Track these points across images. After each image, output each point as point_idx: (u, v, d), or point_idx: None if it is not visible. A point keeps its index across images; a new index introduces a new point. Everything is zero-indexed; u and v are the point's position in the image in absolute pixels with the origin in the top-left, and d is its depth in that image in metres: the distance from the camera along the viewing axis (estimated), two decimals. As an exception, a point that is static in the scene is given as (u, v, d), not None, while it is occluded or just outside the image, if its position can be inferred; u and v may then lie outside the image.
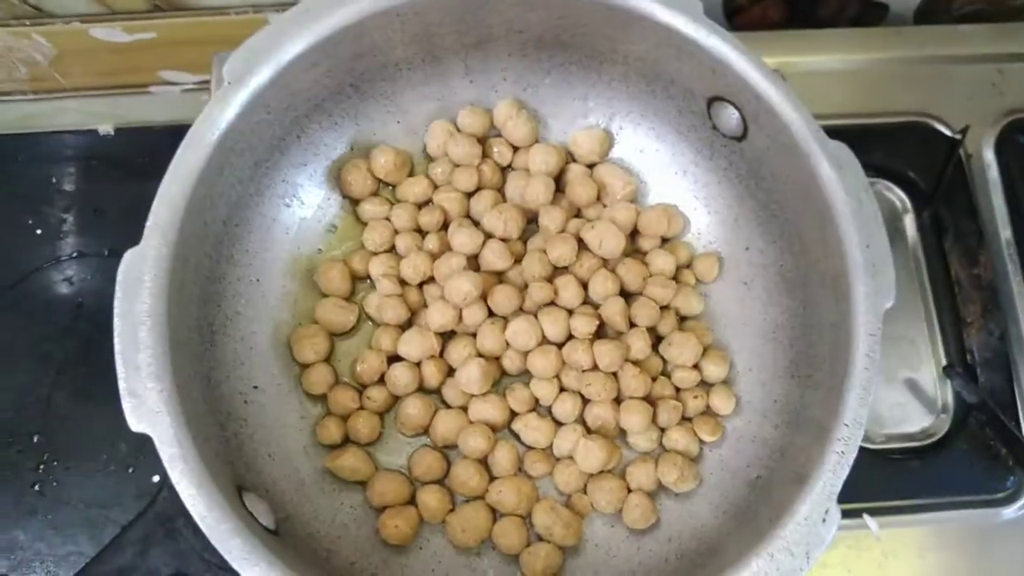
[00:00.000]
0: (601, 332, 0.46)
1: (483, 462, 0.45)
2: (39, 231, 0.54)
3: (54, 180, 0.55)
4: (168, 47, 0.56)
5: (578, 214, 0.49)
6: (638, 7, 0.41)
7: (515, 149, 0.50)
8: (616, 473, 0.45)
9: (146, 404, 0.34)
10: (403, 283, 0.47)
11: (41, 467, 0.49)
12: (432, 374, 0.45)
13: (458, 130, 0.49)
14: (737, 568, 0.35)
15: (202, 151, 0.38)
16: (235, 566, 0.33)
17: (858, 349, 0.37)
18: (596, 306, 0.46)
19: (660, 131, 0.49)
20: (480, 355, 0.45)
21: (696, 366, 0.46)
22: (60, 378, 0.51)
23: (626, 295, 0.47)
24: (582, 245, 0.47)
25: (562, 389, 0.46)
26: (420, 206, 0.49)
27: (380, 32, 0.42)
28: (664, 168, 0.50)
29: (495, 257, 0.46)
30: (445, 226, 0.48)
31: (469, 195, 0.49)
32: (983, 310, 0.53)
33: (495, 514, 0.44)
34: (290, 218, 0.46)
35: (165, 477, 0.45)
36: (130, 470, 0.49)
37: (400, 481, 0.44)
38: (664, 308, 0.47)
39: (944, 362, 0.53)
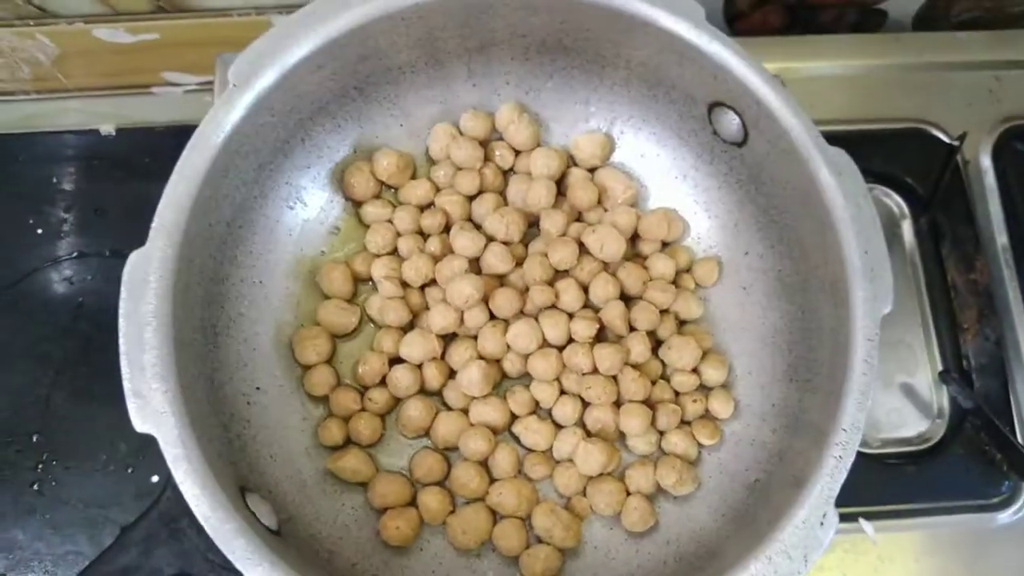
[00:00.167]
0: (601, 336, 0.46)
1: (484, 464, 0.45)
2: (40, 231, 0.54)
3: (55, 180, 0.55)
4: (171, 48, 0.56)
5: (579, 218, 0.49)
6: (640, 13, 0.41)
7: (517, 153, 0.50)
8: (615, 476, 0.45)
9: (151, 405, 0.34)
10: (405, 285, 0.47)
11: (40, 467, 0.49)
12: (433, 376, 0.45)
13: (460, 133, 0.49)
14: (735, 571, 0.35)
15: (207, 153, 0.38)
16: (238, 566, 0.33)
17: (856, 354, 0.37)
18: (596, 310, 0.46)
19: (661, 136, 0.49)
20: (481, 357, 0.45)
21: (695, 370, 0.46)
22: (60, 378, 0.51)
23: (626, 299, 0.47)
24: (583, 249, 0.47)
25: (562, 392, 0.46)
26: (422, 209, 0.49)
27: (384, 36, 0.42)
28: (665, 173, 0.50)
29: (496, 260, 0.46)
30: (447, 229, 0.48)
31: (471, 198, 0.49)
32: (979, 316, 0.53)
33: (495, 516, 0.44)
34: (293, 220, 0.47)
35: (165, 477, 0.46)
36: (129, 470, 0.49)
37: (401, 483, 0.44)
38: (664, 312, 0.47)
39: (940, 367, 0.53)
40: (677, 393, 0.46)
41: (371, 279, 0.48)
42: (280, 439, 0.43)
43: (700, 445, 0.46)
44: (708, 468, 0.45)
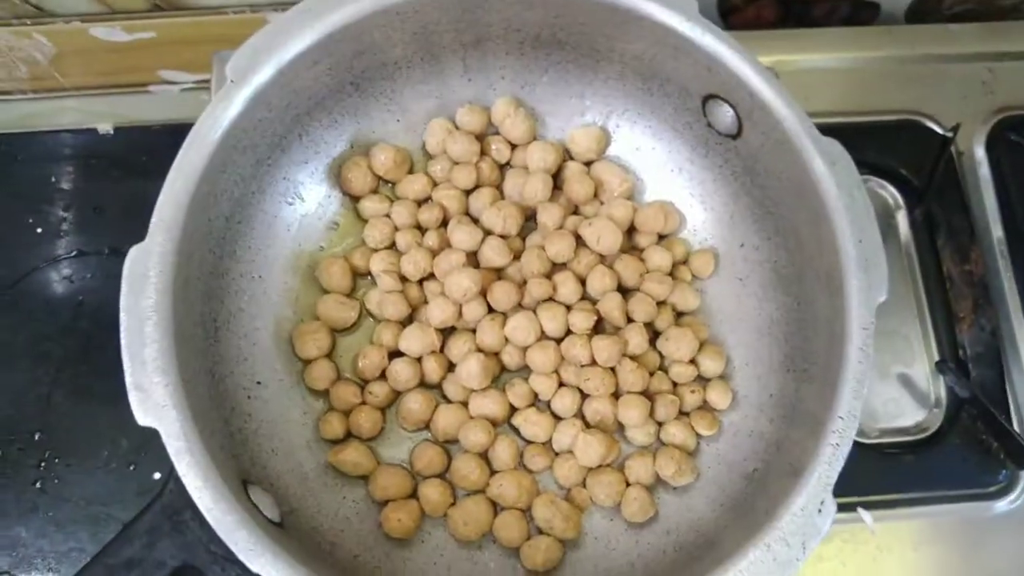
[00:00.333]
0: (599, 327, 0.47)
1: (484, 456, 0.45)
2: (39, 230, 0.54)
3: (54, 179, 0.55)
4: (167, 46, 0.56)
5: (576, 211, 0.50)
6: (635, 6, 0.41)
7: (513, 147, 0.50)
8: (615, 467, 0.45)
9: (152, 398, 0.34)
10: (403, 279, 0.47)
11: (42, 464, 0.49)
12: (433, 369, 0.46)
13: (457, 128, 0.49)
14: (734, 559, 0.35)
15: (205, 149, 0.38)
16: (241, 557, 0.33)
17: (852, 343, 0.38)
18: (594, 302, 0.47)
19: (656, 129, 0.49)
20: (480, 350, 0.45)
21: (693, 361, 0.46)
22: (60, 376, 0.51)
23: (623, 291, 0.47)
24: (580, 241, 0.47)
25: (561, 384, 0.46)
26: (420, 203, 0.49)
27: (380, 31, 0.43)
28: (660, 165, 0.50)
29: (494, 253, 0.46)
30: (444, 223, 0.48)
31: (468, 192, 0.49)
32: (975, 306, 0.54)
33: (496, 508, 0.44)
34: (291, 215, 0.47)
35: (168, 473, 0.46)
36: (131, 467, 0.49)
37: (402, 475, 0.44)
38: (661, 304, 0.47)
39: (937, 357, 0.53)
40: (675, 384, 0.47)
41: (370, 273, 0.48)
42: (281, 433, 0.43)
43: (698, 436, 0.46)
44: (706, 458, 0.45)
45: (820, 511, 0.36)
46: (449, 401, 0.46)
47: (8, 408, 0.50)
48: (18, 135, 0.56)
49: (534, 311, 0.46)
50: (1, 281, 0.53)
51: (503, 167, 0.51)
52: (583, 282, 0.46)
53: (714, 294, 0.49)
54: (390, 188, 0.50)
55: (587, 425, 0.46)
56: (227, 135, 0.39)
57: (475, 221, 0.48)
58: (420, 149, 0.51)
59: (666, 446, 0.45)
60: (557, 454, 0.46)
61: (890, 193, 0.57)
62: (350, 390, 0.45)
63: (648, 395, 0.46)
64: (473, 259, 0.47)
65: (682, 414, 0.46)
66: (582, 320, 0.45)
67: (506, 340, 0.45)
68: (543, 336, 0.45)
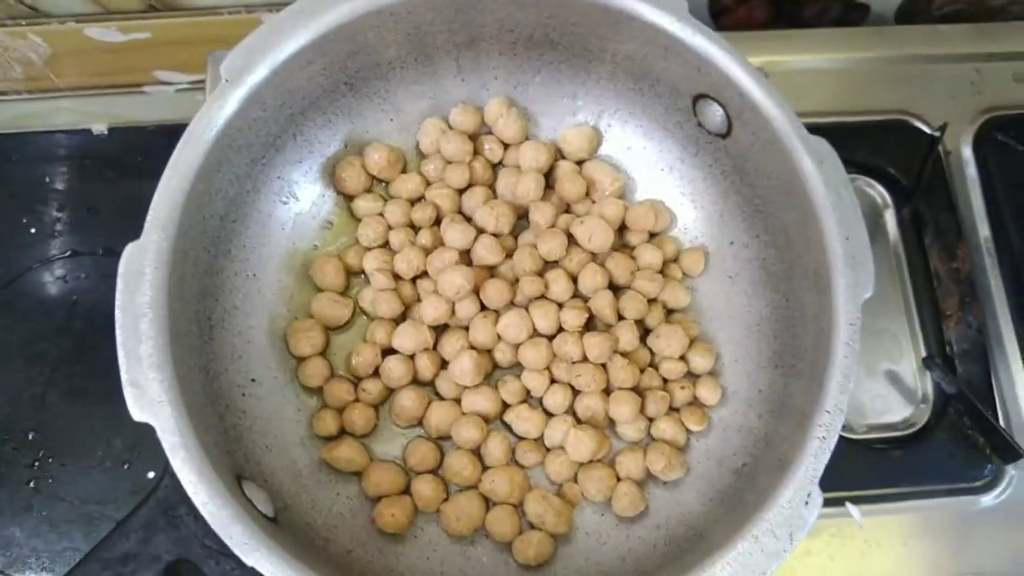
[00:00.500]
0: (590, 325, 0.47)
1: (476, 452, 0.45)
2: (33, 230, 0.54)
3: (48, 179, 0.55)
4: (162, 47, 0.56)
5: (567, 210, 0.50)
6: (626, 7, 0.42)
7: (506, 146, 0.50)
8: (606, 462, 0.46)
9: (148, 394, 0.35)
10: (397, 278, 0.47)
11: (36, 464, 0.49)
12: (426, 367, 0.46)
13: (450, 128, 0.50)
14: (723, 551, 0.36)
15: (200, 148, 0.39)
16: (236, 552, 0.33)
17: (838, 338, 0.38)
18: (586, 299, 0.47)
19: (647, 128, 0.50)
20: (472, 348, 0.46)
21: (683, 358, 0.47)
22: (55, 376, 0.51)
23: (614, 289, 0.47)
24: (572, 240, 0.47)
25: (553, 380, 0.46)
26: (413, 202, 0.49)
27: (374, 31, 0.43)
28: (651, 165, 0.51)
29: (487, 252, 0.46)
30: (438, 222, 0.49)
31: (461, 191, 0.49)
32: (961, 303, 0.54)
33: (488, 503, 0.44)
34: (286, 214, 0.47)
35: (163, 470, 0.46)
36: (125, 466, 0.49)
37: (395, 471, 0.44)
38: (652, 301, 0.48)
39: (924, 354, 0.54)
40: (665, 380, 0.47)
41: (363, 272, 0.48)
42: (275, 429, 0.43)
43: (688, 431, 0.46)
44: (696, 454, 0.46)
45: (807, 503, 0.36)
46: (442, 398, 0.47)
47: (2, 407, 0.50)
48: (12, 135, 0.56)
49: (526, 309, 0.46)
50: (-5, 280, 0.53)
51: (496, 166, 0.51)
52: (575, 280, 0.47)
53: (704, 292, 0.49)
54: (384, 187, 0.51)
55: (578, 421, 0.46)
56: (222, 134, 0.39)
57: (468, 220, 0.49)
58: (414, 149, 0.51)
59: (656, 442, 0.46)
60: (549, 450, 0.46)
61: (878, 192, 0.57)
62: (343, 387, 0.45)
63: (639, 391, 0.46)
64: (466, 257, 0.47)
65: (672, 410, 0.47)
66: (574, 317, 0.45)
67: (498, 337, 0.46)
68: (535, 333, 0.46)
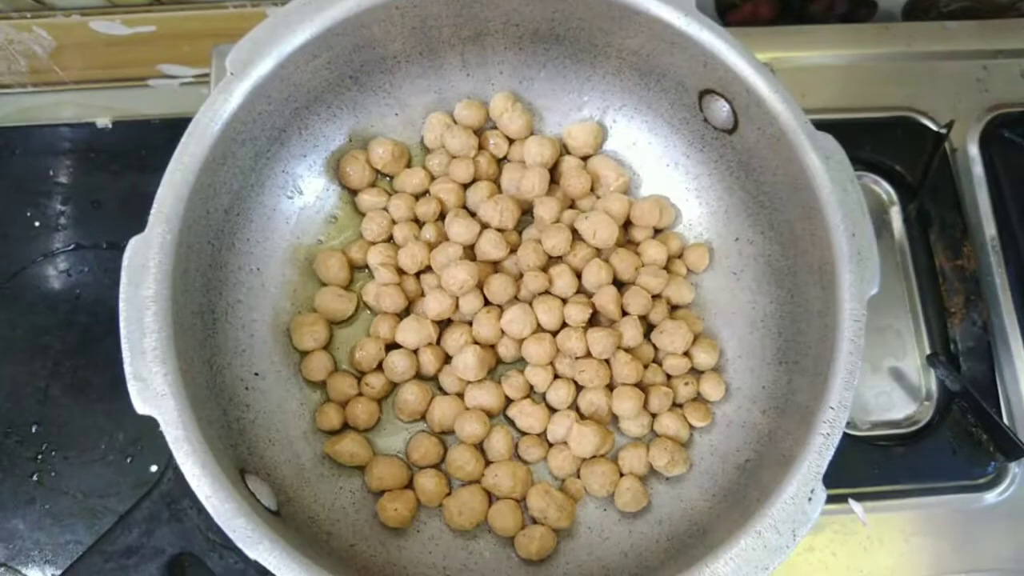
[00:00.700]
0: (594, 320, 0.47)
1: (479, 447, 0.45)
2: (37, 223, 0.54)
3: (52, 173, 0.55)
4: (167, 40, 0.57)
5: (572, 205, 0.50)
6: (632, 1, 0.42)
7: (511, 141, 0.50)
8: (608, 458, 0.46)
9: (151, 387, 0.35)
10: (401, 272, 0.47)
11: (40, 457, 0.49)
12: (429, 361, 0.46)
13: (455, 122, 0.50)
14: (726, 546, 0.36)
15: (205, 141, 0.39)
16: (239, 545, 0.33)
17: (843, 334, 0.38)
18: (589, 295, 0.47)
19: (653, 124, 0.50)
20: (476, 343, 0.46)
21: (687, 354, 0.47)
22: (58, 369, 0.51)
23: (619, 284, 0.47)
24: (576, 235, 0.47)
25: (556, 376, 0.46)
26: (417, 197, 0.49)
27: (379, 25, 0.43)
28: (656, 160, 0.50)
29: (491, 247, 0.46)
30: (442, 216, 0.49)
31: (465, 186, 0.49)
32: (966, 301, 0.54)
33: (491, 498, 0.45)
34: (290, 208, 0.47)
35: (166, 463, 0.46)
36: (128, 460, 0.49)
37: (398, 466, 0.44)
38: (656, 297, 0.48)
39: (928, 351, 0.54)
40: (669, 376, 0.47)
41: (367, 266, 0.48)
42: (278, 423, 0.43)
43: (692, 427, 0.46)
44: (699, 449, 0.46)
45: (810, 499, 0.36)
46: (445, 393, 0.47)
47: (6, 401, 0.50)
48: (17, 128, 0.56)
49: (530, 304, 0.46)
50: (-1, 274, 0.53)
51: (500, 161, 0.51)
52: (579, 275, 0.47)
53: (708, 288, 0.49)
54: (388, 182, 0.51)
55: (581, 417, 0.46)
56: (227, 127, 0.39)
57: (472, 215, 0.49)
58: (418, 143, 0.51)
59: (659, 437, 0.46)
60: (551, 445, 0.46)
61: (884, 189, 0.57)
62: (347, 381, 0.45)
63: (642, 387, 0.46)
64: (470, 252, 0.47)
65: (676, 406, 0.47)
66: (577, 313, 0.45)
67: (502, 332, 0.46)
68: (539, 329, 0.46)
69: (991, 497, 0.51)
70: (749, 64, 0.41)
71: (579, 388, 0.46)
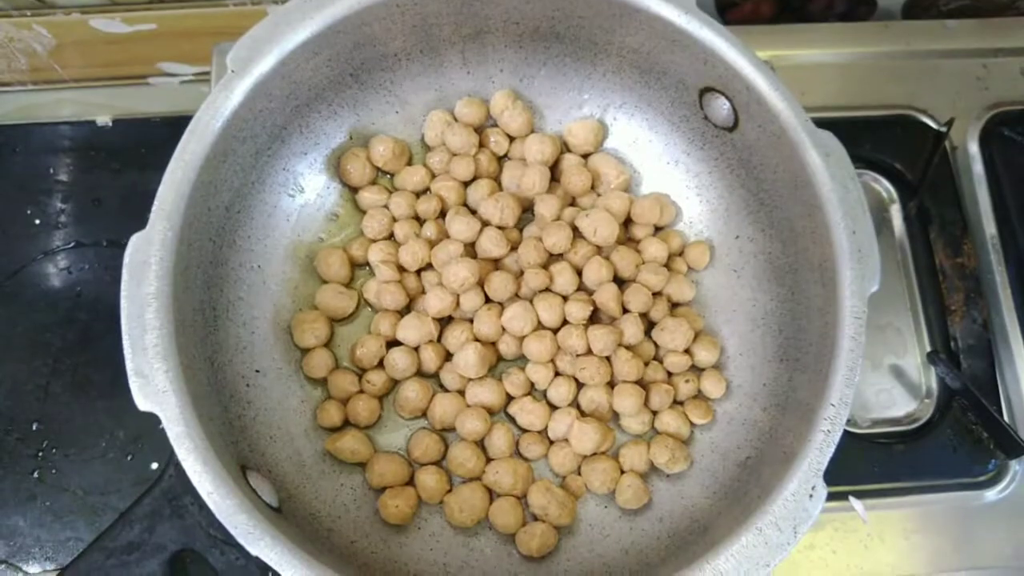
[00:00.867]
0: (595, 318, 0.47)
1: (480, 444, 0.45)
2: (37, 221, 0.54)
3: (52, 171, 0.55)
4: (167, 38, 0.57)
5: (573, 203, 0.50)
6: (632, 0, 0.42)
7: (511, 139, 0.51)
8: (609, 455, 0.46)
9: (153, 383, 0.35)
10: (401, 270, 0.47)
11: (40, 454, 0.50)
12: (430, 358, 0.46)
13: (455, 120, 0.50)
14: (727, 543, 0.36)
15: (206, 138, 0.39)
16: (240, 541, 0.34)
17: (844, 332, 0.38)
18: (590, 292, 0.47)
19: (653, 122, 0.50)
20: (477, 340, 0.46)
21: (687, 351, 0.47)
22: (58, 366, 0.51)
23: (619, 282, 0.47)
24: (577, 233, 0.47)
25: (557, 373, 0.46)
26: (418, 194, 0.49)
27: (380, 23, 0.43)
28: (657, 158, 0.51)
29: (491, 244, 0.46)
30: (443, 214, 0.49)
31: (466, 184, 0.49)
32: (966, 298, 0.54)
33: (492, 494, 0.45)
34: (291, 206, 0.47)
35: (167, 460, 0.46)
36: (128, 457, 0.50)
37: (399, 462, 0.44)
38: (656, 294, 0.48)
39: (928, 349, 0.54)
40: (670, 374, 0.47)
41: (368, 264, 0.48)
42: (279, 420, 0.43)
43: (692, 424, 0.46)
44: (700, 447, 0.46)
45: (811, 496, 0.36)
46: (446, 390, 0.47)
47: (6, 398, 0.50)
48: (17, 126, 0.56)
49: (531, 301, 0.46)
50: None
51: (501, 159, 0.51)
52: (580, 273, 0.47)
53: (709, 285, 0.49)
54: (389, 179, 0.51)
55: (582, 414, 0.46)
56: (228, 125, 0.39)
57: (473, 212, 0.49)
58: (419, 141, 0.51)
59: (660, 434, 0.46)
60: (552, 442, 0.46)
61: (884, 187, 0.57)
62: (348, 379, 0.46)
63: (643, 384, 0.46)
64: (471, 250, 0.47)
65: (676, 403, 0.47)
66: (578, 310, 0.45)
67: (503, 330, 0.46)
68: (539, 326, 0.46)
69: (991, 495, 0.51)
70: (749, 62, 0.41)
71: (580, 385, 0.46)
